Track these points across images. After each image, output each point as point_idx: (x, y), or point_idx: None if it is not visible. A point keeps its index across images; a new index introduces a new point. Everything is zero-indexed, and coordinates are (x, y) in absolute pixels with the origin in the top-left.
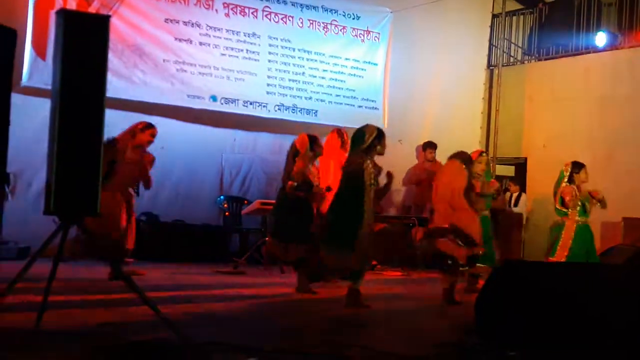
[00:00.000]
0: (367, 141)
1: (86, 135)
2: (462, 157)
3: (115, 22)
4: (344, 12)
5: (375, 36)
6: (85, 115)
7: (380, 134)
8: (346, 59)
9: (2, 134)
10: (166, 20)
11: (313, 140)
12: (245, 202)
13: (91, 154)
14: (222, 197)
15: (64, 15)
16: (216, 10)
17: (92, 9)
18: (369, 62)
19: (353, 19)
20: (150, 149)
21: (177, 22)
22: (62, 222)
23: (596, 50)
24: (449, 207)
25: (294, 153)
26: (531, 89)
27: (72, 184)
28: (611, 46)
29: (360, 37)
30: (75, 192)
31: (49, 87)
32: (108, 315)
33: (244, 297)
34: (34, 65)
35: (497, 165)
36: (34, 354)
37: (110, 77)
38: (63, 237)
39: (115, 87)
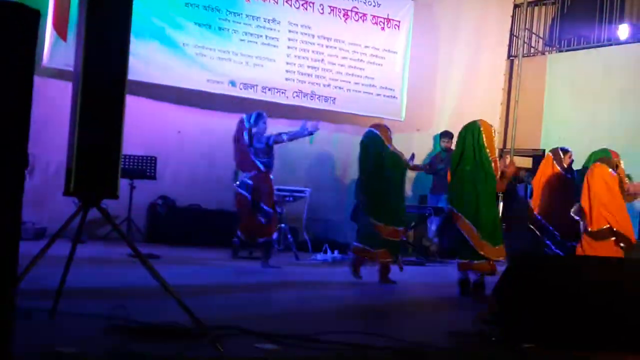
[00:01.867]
0: None
1: (108, 116)
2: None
3: (136, 4)
4: None
5: (396, 24)
6: (107, 96)
7: None
8: (366, 46)
9: (24, 115)
10: (186, 4)
11: None
12: None
13: (112, 137)
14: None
15: None
16: None
17: None
18: (389, 50)
19: (374, 6)
20: (167, 133)
21: (197, 6)
22: (82, 204)
23: (618, 42)
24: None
25: None
26: (551, 81)
27: (93, 166)
28: (634, 38)
29: (380, 24)
30: (96, 174)
31: (69, 68)
32: (124, 297)
33: (259, 283)
34: (55, 46)
35: (514, 157)
36: (51, 335)
37: (130, 60)
38: (82, 219)
39: (134, 69)
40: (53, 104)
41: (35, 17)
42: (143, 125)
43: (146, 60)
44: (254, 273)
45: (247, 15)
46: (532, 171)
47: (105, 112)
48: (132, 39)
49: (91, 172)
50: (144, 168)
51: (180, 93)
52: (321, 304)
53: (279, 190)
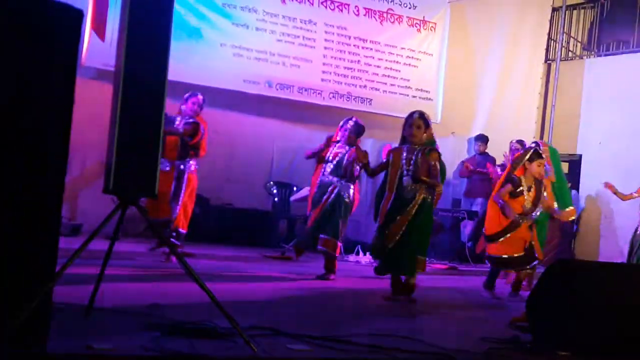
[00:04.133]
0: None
1: (147, 116)
2: None
3: (175, 6)
4: (400, 1)
5: (432, 26)
6: (146, 96)
7: (406, 118)
8: (402, 48)
9: (67, 114)
10: (223, 5)
11: None
12: (295, 188)
13: (151, 136)
14: (271, 182)
15: None
16: None
17: None
18: (425, 52)
19: (409, 8)
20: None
21: (235, 7)
22: (121, 202)
23: None
24: None
25: None
26: (589, 85)
27: (132, 165)
28: None
29: (416, 26)
30: (135, 173)
31: (108, 68)
32: (159, 295)
33: (291, 283)
34: (93, 46)
35: None
36: (86, 331)
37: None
38: (121, 217)
39: (172, 70)
40: (90, 104)
41: (78, 17)
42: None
43: (183, 60)
44: (286, 273)
45: (283, 16)
46: (569, 176)
47: (144, 111)
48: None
49: (130, 171)
50: None
51: (216, 93)
52: (354, 304)
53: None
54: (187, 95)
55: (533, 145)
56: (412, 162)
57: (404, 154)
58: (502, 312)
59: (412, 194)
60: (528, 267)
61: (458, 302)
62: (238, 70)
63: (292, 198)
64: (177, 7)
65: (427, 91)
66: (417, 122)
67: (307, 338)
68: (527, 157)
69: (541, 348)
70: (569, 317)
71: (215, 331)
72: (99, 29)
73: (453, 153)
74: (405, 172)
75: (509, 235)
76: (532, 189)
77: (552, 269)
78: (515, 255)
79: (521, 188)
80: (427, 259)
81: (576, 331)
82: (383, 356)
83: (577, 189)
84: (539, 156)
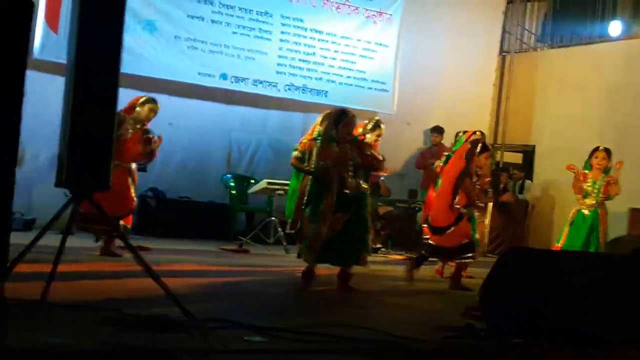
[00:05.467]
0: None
1: (100, 109)
2: None
3: None
4: None
5: (388, 18)
6: (99, 89)
7: (337, 118)
8: (358, 39)
9: (16, 106)
10: None
11: None
12: (252, 181)
13: (104, 129)
14: (228, 175)
15: None
16: None
17: None
18: (381, 44)
19: None
20: (158, 124)
21: None
22: (73, 196)
23: (610, 39)
24: None
25: None
26: (543, 77)
27: (84, 158)
28: (625, 35)
29: (372, 18)
30: (87, 166)
31: (61, 61)
32: (114, 289)
33: (249, 276)
34: (46, 39)
35: (505, 152)
36: (42, 326)
37: (122, 53)
38: (73, 211)
39: (126, 62)
40: (42, 97)
41: (28, 8)
42: None
43: (137, 52)
44: (245, 266)
45: (240, 8)
46: (523, 167)
47: (97, 104)
48: (124, 31)
49: (83, 164)
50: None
51: (172, 85)
52: (310, 297)
53: (269, 182)
54: (142, 99)
55: (480, 137)
56: (350, 160)
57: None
58: (456, 301)
59: (354, 191)
60: (469, 256)
61: (413, 292)
62: (193, 62)
63: (250, 190)
64: None
65: (383, 82)
66: (353, 122)
67: (264, 330)
68: (477, 149)
69: (495, 336)
70: (521, 305)
71: (172, 324)
72: (52, 21)
73: (409, 144)
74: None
75: (453, 228)
76: (479, 179)
77: (505, 257)
78: (460, 243)
79: (474, 179)
80: (380, 247)
81: (529, 318)
82: (339, 347)
83: (531, 179)
84: (487, 149)
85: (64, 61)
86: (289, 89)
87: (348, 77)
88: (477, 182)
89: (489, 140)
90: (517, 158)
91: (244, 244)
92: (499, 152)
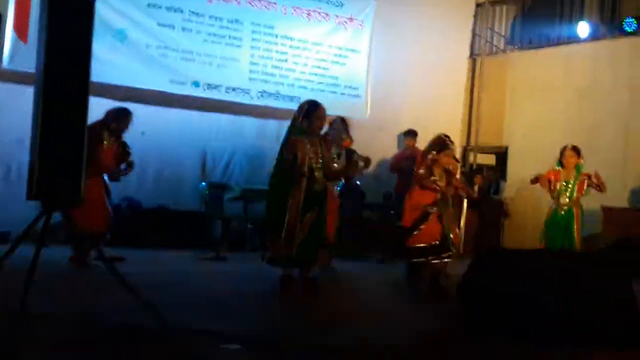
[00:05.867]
0: (296, 119)
1: (70, 120)
2: None
3: (98, 5)
4: None
5: (359, 24)
6: (69, 99)
7: (309, 109)
8: (329, 46)
9: None
10: (149, 5)
11: None
12: (228, 188)
13: (75, 140)
14: (204, 183)
15: None
16: None
17: None
18: (352, 50)
19: (336, 6)
20: (130, 133)
21: (160, 7)
22: (45, 208)
23: (578, 40)
24: None
25: None
26: (513, 79)
27: (56, 170)
28: (593, 37)
29: (343, 24)
30: (59, 179)
31: (30, 70)
32: (89, 300)
33: (226, 283)
34: (15, 48)
35: (478, 154)
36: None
37: (92, 62)
38: (46, 223)
39: (97, 71)
40: (13, 107)
41: None
42: None
43: (108, 61)
44: (222, 273)
45: (210, 16)
46: (496, 168)
47: (67, 115)
48: (94, 39)
49: (54, 177)
50: None
51: (143, 94)
52: (287, 306)
53: (245, 189)
54: (118, 112)
55: (439, 138)
56: (319, 154)
57: (308, 146)
58: (433, 302)
59: (322, 187)
60: (444, 256)
61: (389, 295)
62: (164, 70)
63: (226, 198)
64: (99, 7)
65: (355, 88)
66: (325, 115)
67: (242, 339)
68: (436, 149)
69: (474, 335)
70: (499, 304)
71: (148, 333)
72: (21, 30)
73: (383, 149)
74: (314, 165)
75: (422, 227)
76: (443, 179)
77: (481, 257)
78: (433, 243)
79: (434, 177)
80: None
81: (507, 317)
82: (321, 353)
83: (505, 179)
84: (447, 147)
85: (34, 70)
86: (262, 96)
87: (320, 83)
88: (446, 179)
89: (461, 142)
90: (490, 160)
91: (221, 251)
92: (472, 154)
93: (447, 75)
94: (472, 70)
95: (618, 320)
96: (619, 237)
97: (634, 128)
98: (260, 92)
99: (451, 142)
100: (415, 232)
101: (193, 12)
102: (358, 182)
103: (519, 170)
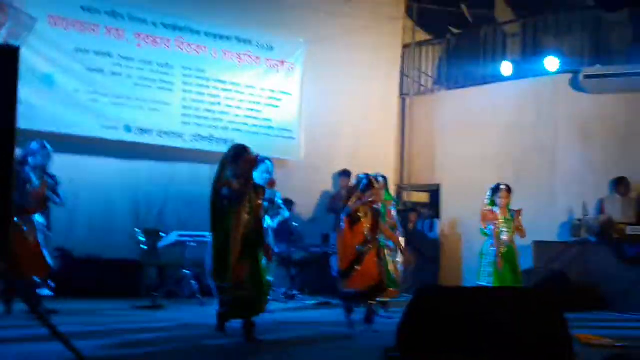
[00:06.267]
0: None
1: None
2: None
3: (24, 52)
4: (257, 42)
5: (290, 66)
6: None
7: (235, 154)
8: (262, 89)
9: None
10: (76, 49)
11: None
12: (162, 234)
13: (2, 192)
14: (137, 230)
15: None
16: (127, 40)
17: None
18: (285, 92)
19: (267, 49)
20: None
21: (88, 51)
22: None
23: (502, 79)
24: None
25: None
26: (442, 117)
27: None
28: (516, 75)
29: (275, 67)
30: None
31: None
32: (23, 354)
33: (163, 331)
34: None
35: (411, 192)
36: None
37: (19, 108)
38: None
39: (23, 117)
40: None
41: None
42: None
43: (35, 107)
44: (159, 321)
45: (139, 60)
46: (430, 206)
47: None
48: (20, 86)
49: None
50: None
51: (73, 140)
52: (223, 350)
53: (180, 235)
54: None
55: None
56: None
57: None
58: (374, 343)
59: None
60: (382, 296)
61: (330, 336)
62: (95, 115)
63: (161, 244)
64: (24, 51)
65: (289, 130)
66: (253, 158)
67: None
68: (360, 187)
69: None
70: (439, 342)
71: None
72: None
73: (318, 189)
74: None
75: (358, 268)
76: (369, 216)
77: (419, 296)
78: (370, 285)
79: (359, 214)
80: (296, 293)
81: (447, 355)
82: None
83: (439, 216)
84: (372, 186)
85: None
86: (195, 140)
87: (254, 125)
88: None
89: (395, 180)
90: (423, 197)
91: (157, 299)
92: (405, 192)
93: (379, 114)
94: (402, 109)
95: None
96: (550, 271)
97: (560, 163)
98: (193, 135)
99: (377, 182)
100: (351, 274)
101: (122, 57)
102: (295, 224)
103: (452, 208)
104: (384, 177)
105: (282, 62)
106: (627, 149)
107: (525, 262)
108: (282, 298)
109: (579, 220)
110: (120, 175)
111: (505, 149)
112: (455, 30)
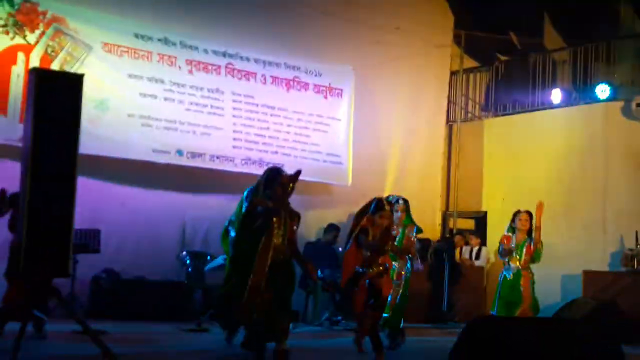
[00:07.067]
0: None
1: (58, 194)
2: None
3: None
4: (306, 69)
5: (338, 92)
6: (57, 173)
7: (269, 176)
8: (310, 114)
9: None
10: (130, 75)
11: None
12: (209, 257)
13: (63, 214)
14: (184, 252)
15: (37, 74)
16: (179, 67)
17: (55, 64)
18: (333, 118)
19: (315, 75)
20: (110, 205)
21: (141, 77)
22: (33, 283)
23: (551, 106)
24: None
25: None
26: (489, 144)
27: (44, 245)
28: (565, 103)
29: (322, 93)
30: (47, 253)
31: (10, 143)
32: None
33: (210, 354)
34: None
35: (457, 219)
36: None
37: None
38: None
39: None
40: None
41: None
42: (87, 198)
43: (90, 132)
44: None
45: (190, 86)
46: (476, 232)
47: (56, 190)
48: None
49: (42, 251)
50: (87, 242)
51: (125, 164)
52: None
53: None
54: None
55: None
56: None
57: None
58: None
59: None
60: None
61: None
62: (147, 140)
63: (207, 267)
64: None
65: (337, 155)
66: (287, 182)
67: None
68: (370, 209)
69: None
70: None
71: None
72: (1, 103)
73: None
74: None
75: (356, 289)
76: (377, 239)
77: (472, 325)
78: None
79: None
80: (340, 319)
81: None
82: None
83: (485, 244)
84: (382, 208)
85: (14, 142)
86: (245, 163)
87: (303, 150)
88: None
89: (441, 207)
90: (469, 225)
91: (203, 322)
92: (451, 218)
93: (426, 141)
94: (449, 136)
95: None
96: (601, 302)
97: (611, 192)
98: (244, 159)
99: (397, 204)
100: (352, 295)
101: (174, 83)
102: (340, 249)
103: (498, 235)
104: (405, 200)
105: (330, 88)
106: None
107: (574, 291)
108: (327, 323)
109: (631, 250)
110: (168, 198)
111: (554, 175)
112: (503, 58)
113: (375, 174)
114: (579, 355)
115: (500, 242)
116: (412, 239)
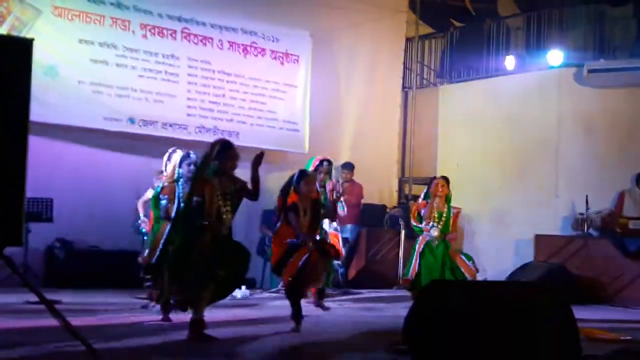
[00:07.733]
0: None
1: (9, 161)
2: None
3: None
4: (263, 34)
5: (295, 59)
6: (7, 140)
7: (221, 148)
8: (266, 81)
9: None
10: (80, 40)
11: None
12: None
13: (15, 181)
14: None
15: None
16: (133, 32)
17: (3, 29)
18: (289, 85)
19: (272, 41)
20: (63, 171)
21: (93, 42)
22: None
23: (506, 72)
24: None
25: None
26: (444, 110)
27: None
28: (519, 69)
29: (279, 59)
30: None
31: None
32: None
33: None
34: None
35: (413, 185)
36: None
37: None
38: None
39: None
40: None
41: None
42: (38, 166)
43: (39, 99)
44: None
45: (144, 52)
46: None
47: (6, 156)
48: None
49: None
50: (40, 210)
51: (76, 132)
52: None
53: None
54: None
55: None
56: (228, 196)
57: (217, 188)
58: (378, 337)
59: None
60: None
61: (335, 330)
62: (98, 107)
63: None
64: None
65: (294, 122)
66: (237, 155)
67: None
68: (294, 180)
69: None
70: (445, 337)
71: None
72: None
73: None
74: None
75: (291, 260)
76: (308, 214)
77: (426, 290)
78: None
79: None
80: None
81: (454, 350)
82: None
83: None
84: (305, 175)
85: None
86: (199, 131)
87: (259, 117)
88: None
89: (397, 174)
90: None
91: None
92: (407, 185)
93: (381, 107)
94: (405, 103)
95: (562, 345)
96: (551, 265)
97: (563, 157)
98: (198, 127)
99: (322, 166)
100: (284, 267)
101: (127, 48)
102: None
103: (453, 201)
104: (329, 161)
105: (287, 55)
106: (630, 143)
107: (526, 255)
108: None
109: (581, 214)
110: (121, 166)
111: (508, 142)
112: (458, 24)
113: (331, 141)
114: (530, 317)
115: (417, 209)
116: (334, 195)
